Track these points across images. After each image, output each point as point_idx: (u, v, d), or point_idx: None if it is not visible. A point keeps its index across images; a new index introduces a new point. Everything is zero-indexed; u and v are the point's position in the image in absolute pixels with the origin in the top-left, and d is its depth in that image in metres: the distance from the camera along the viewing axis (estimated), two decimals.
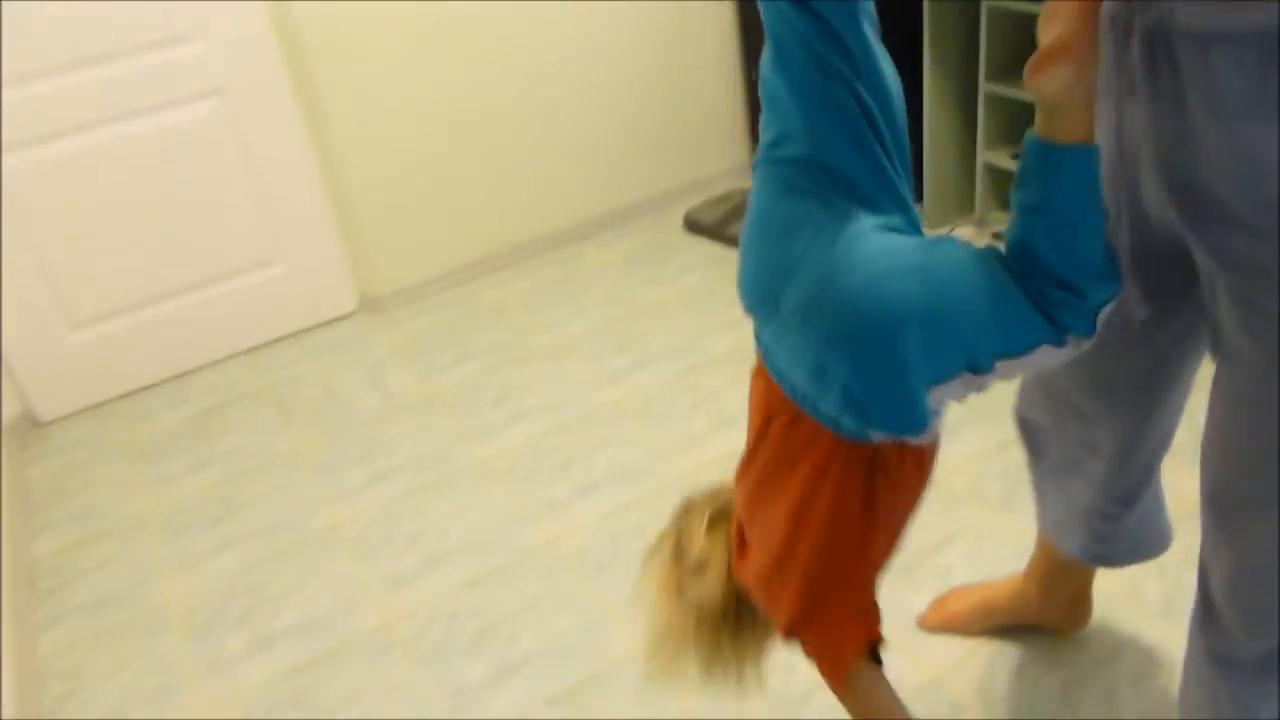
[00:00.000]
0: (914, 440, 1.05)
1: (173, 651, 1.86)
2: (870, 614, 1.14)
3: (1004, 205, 2.33)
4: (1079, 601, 1.60)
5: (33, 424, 2.56)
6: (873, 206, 0.98)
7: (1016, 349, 0.95)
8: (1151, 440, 1.28)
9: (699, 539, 1.25)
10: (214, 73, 2.45)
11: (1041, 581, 1.57)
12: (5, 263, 2.39)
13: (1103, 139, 0.99)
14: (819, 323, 1.00)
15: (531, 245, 3.01)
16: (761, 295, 1.06)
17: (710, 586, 1.22)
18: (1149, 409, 1.24)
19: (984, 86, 2.49)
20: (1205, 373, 1.09)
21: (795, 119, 0.99)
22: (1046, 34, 0.87)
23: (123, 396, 2.63)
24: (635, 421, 2.28)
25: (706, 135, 3.14)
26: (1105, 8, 0.91)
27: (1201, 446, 1.06)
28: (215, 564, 2.05)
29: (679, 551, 1.26)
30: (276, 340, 2.77)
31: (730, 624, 1.22)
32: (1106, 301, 0.93)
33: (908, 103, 1.06)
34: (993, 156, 2.58)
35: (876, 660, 1.16)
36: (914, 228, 1.02)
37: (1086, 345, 0.96)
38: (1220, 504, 1.05)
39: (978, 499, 1.92)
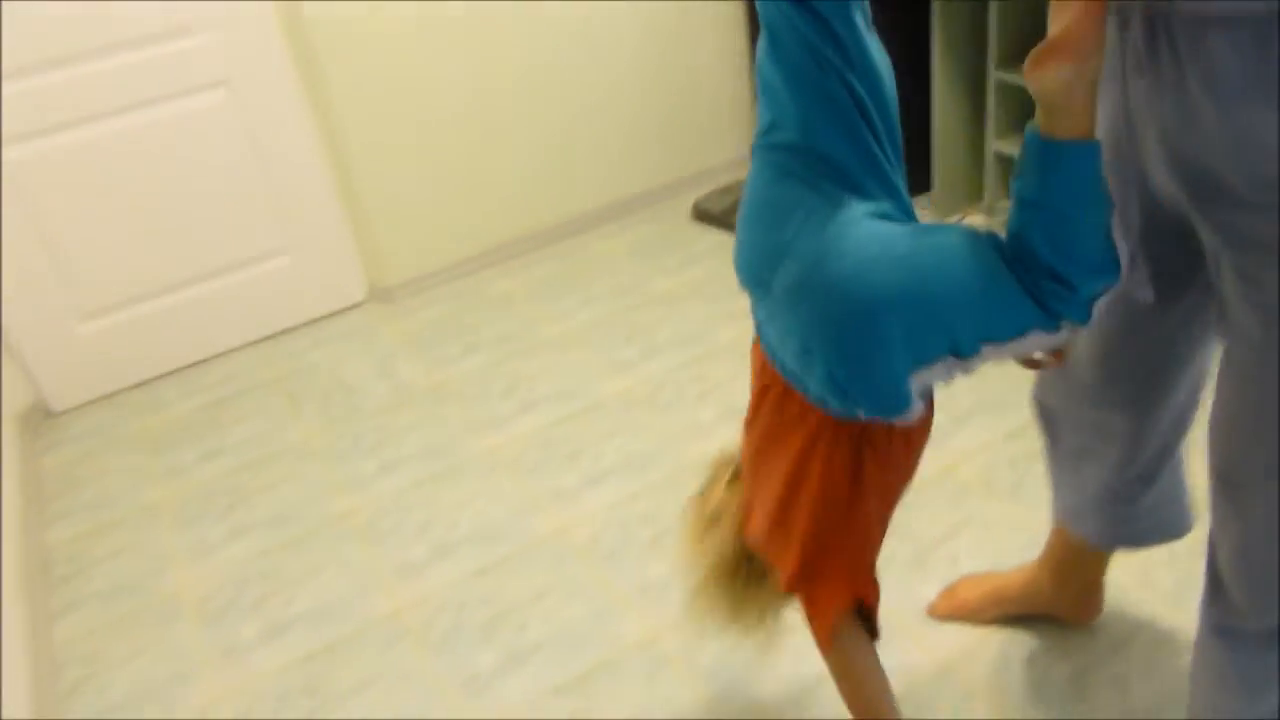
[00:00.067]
0: (897, 421, 1.07)
1: (186, 639, 1.88)
2: (861, 578, 1.17)
3: None
4: (1091, 592, 1.60)
5: (45, 414, 2.57)
6: (864, 193, 1.00)
7: (1007, 334, 0.97)
8: (1165, 421, 1.28)
9: (718, 493, 1.30)
10: (221, 63, 2.45)
11: (1054, 571, 1.57)
12: (17, 254, 2.40)
13: (1109, 119, 1.01)
14: (806, 306, 1.03)
15: (540, 236, 3.01)
16: (755, 276, 1.10)
17: (722, 539, 1.27)
18: (1161, 390, 1.24)
19: (994, 74, 2.48)
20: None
21: (789, 107, 1.01)
22: (1055, 27, 0.88)
23: (134, 386, 2.64)
24: (643, 411, 2.28)
25: (713, 125, 3.13)
26: None
27: (1209, 424, 1.07)
28: (227, 552, 2.06)
29: (703, 504, 1.31)
30: (286, 331, 2.78)
31: (743, 576, 1.25)
32: (1102, 292, 0.94)
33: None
34: (1003, 144, 2.57)
35: (872, 633, 1.19)
36: (906, 215, 1.04)
37: (1082, 330, 0.97)
38: (1225, 479, 1.06)
39: (986, 488, 1.92)
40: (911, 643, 1.64)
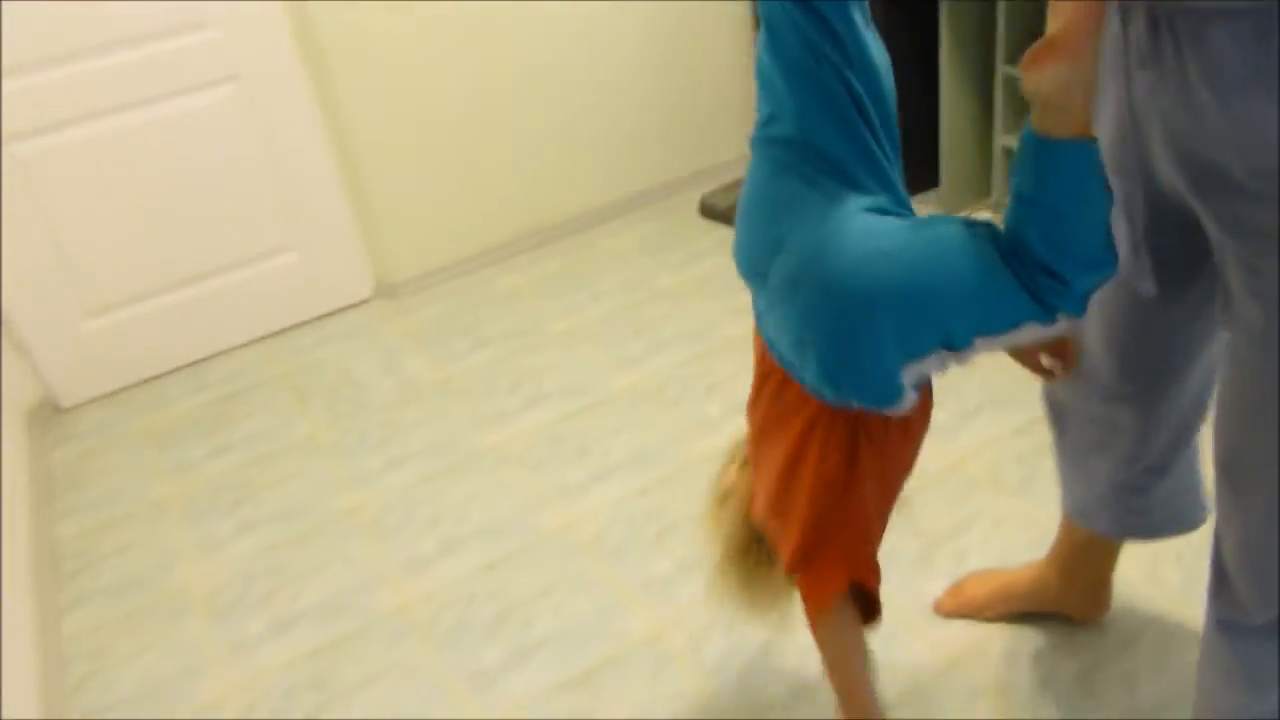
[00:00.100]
0: (890, 412, 1.09)
1: (194, 634, 1.88)
2: (860, 562, 1.18)
3: None
4: (1099, 589, 1.59)
5: (53, 410, 2.58)
6: (859, 188, 1.02)
7: (1002, 327, 0.98)
8: (1176, 415, 1.28)
9: (732, 474, 1.32)
10: (230, 59, 2.45)
11: (1062, 567, 1.57)
12: (25, 250, 2.40)
13: (1113, 114, 1.02)
14: (800, 299, 1.05)
15: (546, 231, 3.01)
16: (753, 267, 1.12)
17: (732, 520, 1.30)
18: (1171, 383, 1.24)
19: (1002, 70, 2.47)
20: None
21: (786, 101, 1.02)
22: (1052, 26, 0.88)
23: (141, 383, 2.65)
24: (650, 406, 2.28)
25: (719, 121, 3.13)
26: None
27: (1214, 415, 1.08)
28: (235, 548, 2.07)
29: (718, 486, 1.35)
30: (293, 327, 2.78)
31: (754, 556, 1.27)
32: (1097, 286, 0.95)
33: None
34: (1010, 140, 2.56)
35: (874, 613, 1.20)
36: (902, 209, 1.05)
37: (1079, 322, 0.98)
38: (1229, 470, 1.07)
39: (994, 484, 1.92)
40: (918, 639, 1.64)
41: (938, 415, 2.13)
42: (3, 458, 2.13)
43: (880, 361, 1.02)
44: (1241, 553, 1.08)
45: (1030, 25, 2.42)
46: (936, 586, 1.71)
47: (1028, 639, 1.61)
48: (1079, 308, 0.95)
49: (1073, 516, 1.49)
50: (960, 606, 1.66)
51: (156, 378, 2.66)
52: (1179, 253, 1.09)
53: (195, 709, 1.73)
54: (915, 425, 1.16)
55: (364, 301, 2.86)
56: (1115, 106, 1.02)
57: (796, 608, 1.32)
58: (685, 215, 3.04)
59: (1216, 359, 1.24)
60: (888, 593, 1.62)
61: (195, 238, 2.58)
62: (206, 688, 1.77)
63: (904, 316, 0.99)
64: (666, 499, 2.01)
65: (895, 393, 1.05)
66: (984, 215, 2.68)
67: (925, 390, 1.14)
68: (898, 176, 1.05)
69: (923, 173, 2.76)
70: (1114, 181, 1.07)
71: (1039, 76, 0.87)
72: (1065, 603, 1.60)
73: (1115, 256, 0.93)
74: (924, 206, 2.73)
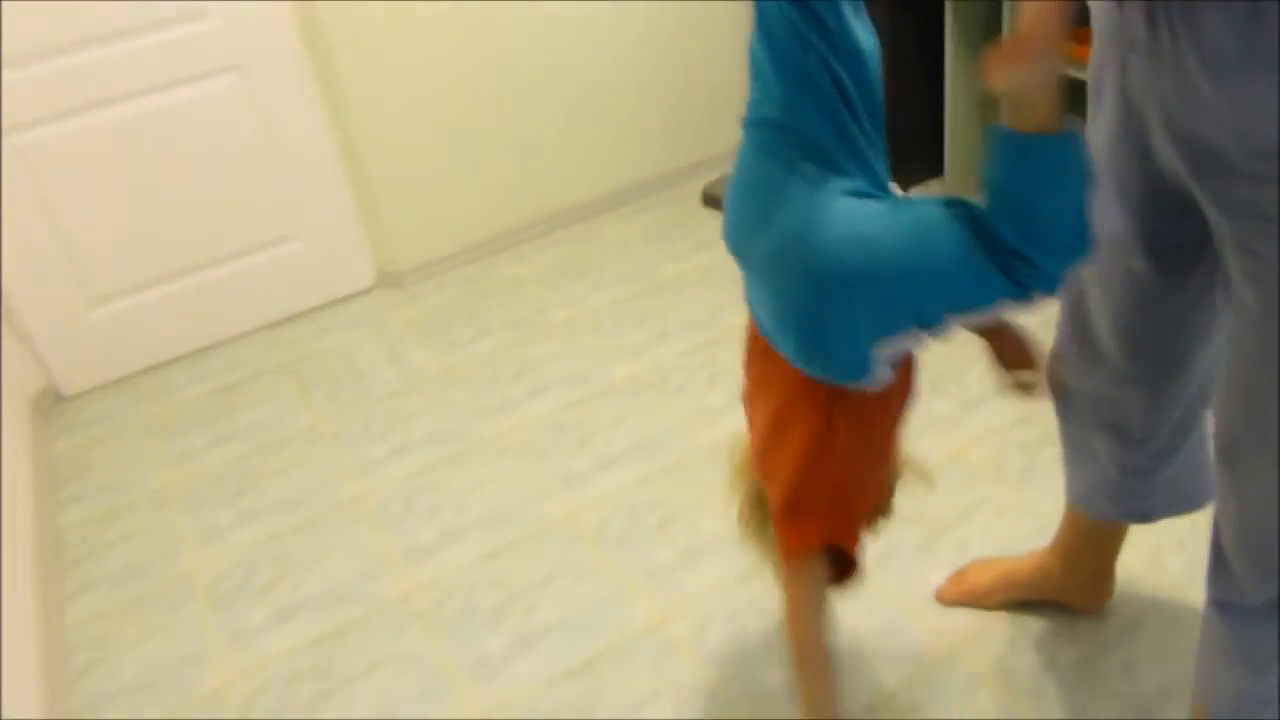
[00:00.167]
0: (861, 386, 1.12)
1: (197, 622, 1.89)
2: (838, 525, 1.20)
3: None
4: (1101, 578, 1.59)
5: (57, 399, 2.59)
6: (840, 171, 1.05)
7: (976, 306, 1.02)
8: (1182, 399, 1.28)
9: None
10: (232, 48, 2.44)
11: (1065, 556, 1.57)
12: (28, 239, 2.40)
13: (1111, 99, 1.04)
14: (779, 279, 1.10)
15: (549, 220, 3.00)
16: (738, 245, 1.16)
17: (739, 475, 1.34)
18: (1177, 367, 1.24)
19: None
20: None
21: (774, 86, 1.06)
22: (1018, 24, 0.90)
23: (144, 371, 2.65)
24: (653, 395, 2.28)
25: (722, 110, 3.12)
26: None
27: (1214, 398, 1.09)
28: (238, 536, 2.07)
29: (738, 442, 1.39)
30: (295, 316, 2.78)
31: (765, 507, 1.30)
32: (1070, 268, 0.98)
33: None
34: None
35: (851, 571, 1.23)
36: (882, 192, 1.08)
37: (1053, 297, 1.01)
38: (1228, 453, 1.08)
39: (997, 473, 1.92)
40: (920, 627, 1.64)
41: (940, 405, 2.14)
42: (6, 446, 2.14)
43: (853, 340, 1.07)
44: (1240, 534, 1.09)
45: None
46: (939, 575, 1.71)
47: (1029, 627, 1.61)
48: (1051, 287, 0.98)
49: (1076, 503, 1.49)
50: (962, 594, 1.66)
51: (159, 366, 2.66)
52: (1181, 237, 1.10)
53: (198, 697, 1.74)
54: (894, 398, 1.20)
55: (366, 290, 2.86)
56: (1114, 93, 1.03)
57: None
58: (687, 204, 3.04)
59: (1223, 343, 1.24)
60: (890, 580, 1.62)
61: (197, 227, 2.58)
62: (209, 676, 1.77)
63: (879, 298, 1.03)
64: (669, 488, 2.01)
65: (866, 369, 1.09)
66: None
67: (906, 364, 1.18)
68: (881, 161, 1.09)
69: (926, 162, 2.77)
70: (1114, 166, 1.08)
71: (1000, 79, 0.90)
72: (1067, 591, 1.60)
73: (1089, 240, 0.96)
74: (928, 194, 2.72)
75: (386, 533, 2.01)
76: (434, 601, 1.84)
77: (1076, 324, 1.29)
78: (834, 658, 1.28)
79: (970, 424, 2.04)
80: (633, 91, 2.96)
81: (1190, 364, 1.24)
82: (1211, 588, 1.17)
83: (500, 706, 1.63)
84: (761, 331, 1.20)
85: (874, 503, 1.30)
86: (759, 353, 1.23)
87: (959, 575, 1.69)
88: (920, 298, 1.02)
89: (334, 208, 2.73)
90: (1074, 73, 1.02)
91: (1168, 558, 1.67)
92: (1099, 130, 1.10)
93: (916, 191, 2.83)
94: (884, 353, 1.08)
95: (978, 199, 0.99)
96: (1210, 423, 1.14)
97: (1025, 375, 1.25)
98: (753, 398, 1.29)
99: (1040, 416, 2.00)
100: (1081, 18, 1.01)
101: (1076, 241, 0.96)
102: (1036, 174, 0.93)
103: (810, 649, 1.26)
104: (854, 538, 1.21)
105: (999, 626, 1.62)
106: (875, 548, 1.77)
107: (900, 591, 1.70)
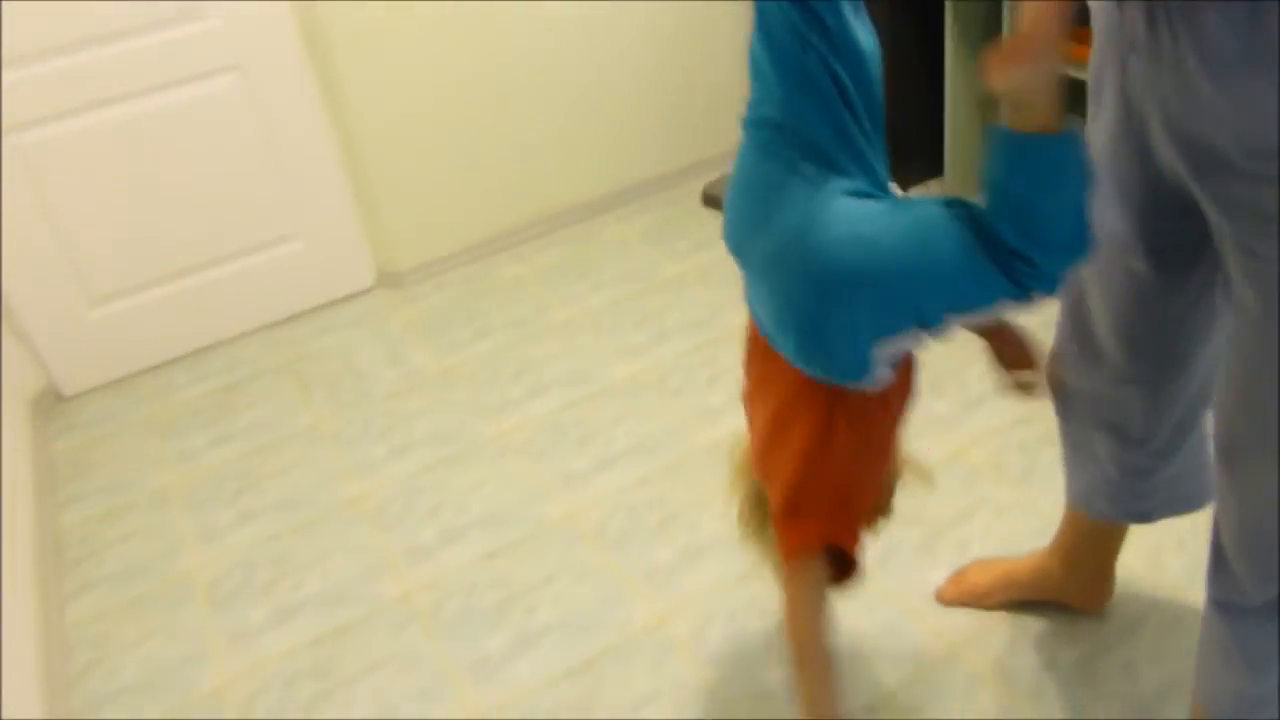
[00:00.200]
0: (861, 386, 1.12)
1: (196, 622, 1.89)
2: (838, 525, 1.20)
3: None
4: (1101, 580, 1.59)
5: (56, 399, 2.59)
6: (840, 171, 1.05)
7: (976, 306, 1.02)
8: (1183, 399, 1.28)
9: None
10: (232, 48, 2.44)
11: (1065, 557, 1.57)
12: (28, 239, 2.40)
13: (1112, 99, 1.04)
14: (779, 279, 1.10)
15: (549, 220, 3.00)
16: (737, 245, 1.17)
17: (739, 475, 1.35)
18: (1178, 367, 1.24)
19: None
20: None
21: (773, 86, 1.07)
22: (1018, 24, 0.90)
23: (144, 371, 2.65)
24: (653, 396, 2.28)
25: (722, 110, 3.12)
26: None
27: (1214, 398, 1.09)
28: (238, 536, 2.07)
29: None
30: (296, 316, 2.78)
31: (765, 507, 1.30)
32: (1070, 268, 0.98)
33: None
34: None
35: (851, 570, 1.23)
36: (881, 191, 1.08)
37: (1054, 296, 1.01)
38: (1228, 453, 1.08)
39: (997, 473, 1.92)
40: (919, 627, 1.64)
41: (940, 405, 2.14)
42: (6, 446, 2.14)
43: (852, 340, 1.07)
44: (1240, 535, 1.09)
45: None
46: (939, 575, 1.71)
47: (1029, 627, 1.61)
48: (1051, 287, 0.98)
49: (1076, 503, 1.49)
50: (962, 594, 1.66)
51: (159, 366, 2.66)
52: (1181, 237, 1.10)
53: (197, 697, 1.74)
54: (894, 398, 1.20)
55: (366, 291, 2.86)
56: (1113, 93, 1.03)
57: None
58: (687, 205, 3.04)
59: (1223, 344, 1.24)
60: (890, 580, 1.63)
61: (197, 227, 2.58)
62: (209, 676, 1.77)
63: (879, 298, 1.03)
64: (668, 488, 2.01)
65: (866, 369, 1.09)
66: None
67: (906, 364, 1.18)
68: (881, 161, 1.09)
69: (927, 162, 2.77)
70: (1114, 166, 1.08)
71: (1006, 76, 0.90)
72: (1067, 592, 1.59)
73: (1089, 240, 0.96)
74: (928, 194, 2.72)
75: (386, 533, 2.01)
76: (434, 601, 1.84)
77: (1076, 324, 1.29)
78: (834, 658, 1.28)
79: (970, 424, 2.04)
80: (633, 91, 2.96)
81: (1190, 364, 1.24)
82: (1211, 588, 1.17)
83: (500, 706, 1.63)
84: (762, 331, 1.20)
85: (874, 502, 1.30)
86: (759, 353, 1.23)
87: (959, 575, 1.69)
88: (920, 298, 1.02)
89: (334, 208, 2.73)
90: (1074, 73, 1.02)
91: (1168, 558, 1.67)
92: (1099, 130, 1.10)
93: (916, 191, 2.83)
94: (884, 353, 1.08)
95: (978, 199, 0.99)
96: (1210, 423, 1.14)
97: (1025, 375, 1.24)
98: (753, 398, 1.30)
99: (1040, 416, 2.00)
100: (1081, 18, 1.01)
101: (1076, 241, 0.96)
102: (1036, 174, 0.93)
103: (810, 649, 1.26)
104: (854, 538, 1.21)
105: (999, 626, 1.62)
106: (875, 548, 1.77)
107: (900, 591, 1.70)
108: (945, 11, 2.50)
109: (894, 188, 1.12)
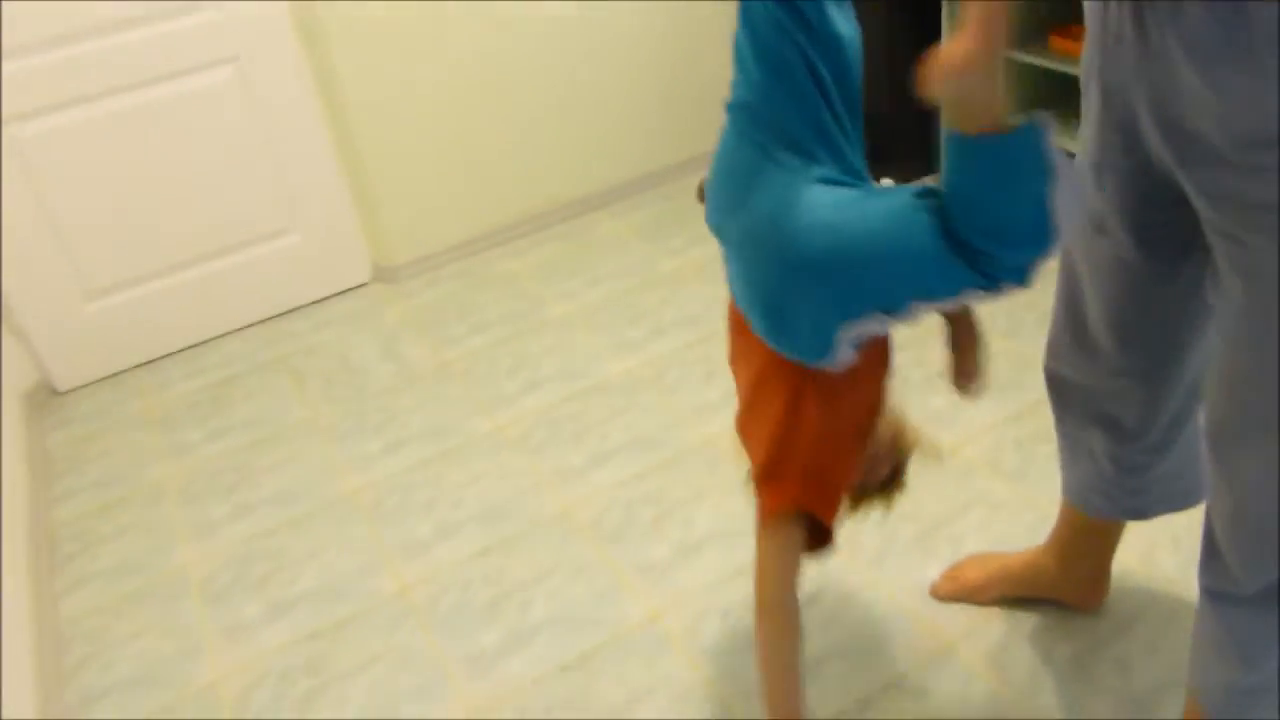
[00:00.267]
0: (824, 367, 1.14)
1: (191, 616, 1.88)
2: (813, 492, 1.22)
3: None
4: (1097, 577, 1.59)
5: (51, 393, 2.58)
6: (812, 158, 1.07)
7: (943, 294, 1.03)
8: (1177, 392, 1.29)
9: None
10: (229, 41, 2.44)
11: (1061, 554, 1.57)
12: (23, 232, 2.40)
13: (1099, 89, 1.06)
14: (751, 261, 1.14)
15: (545, 216, 3.00)
16: (718, 225, 1.19)
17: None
18: (1173, 359, 1.25)
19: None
20: None
21: (754, 74, 1.09)
22: (962, 26, 0.90)
23: (139, 366, 2.65)
24: (649, 391, 2.28)
25: (717, 106, 3.09)
26: None
27: (1205, 388, 1.10)
28: (232, 531, 2.07)
29: None
30: (291, 310, 2.78)
31: None
32: (1036, 260, 0.97)
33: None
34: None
35: (826, 541, 1.25)
36: (855, 180, 1.10)
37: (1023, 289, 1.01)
38: (1217, 441, 1.09)
39: (992, 469, 1.92)
40: (914, 622, 1.64)
41: (936, 400, 2.14)
42: (0, 441, 2.13)
43: (816, 323, 1.09)
44: (1230, 523, 1.10)
45: (1034, 7, 2.40)
46: (933, 570, 1.71)
47: (1024, 622, 1.61)
48: (1020, 278, 0.98)
49: (1071, 499, 1.49)
50: (957, 590, 1.66)
51: (154, 361, 2.66)
52: (1171, 228, 1.10)
53: (192, 691, 1.74)
54: (863, 376, 1.21)
55: (362, 285, 2.86)
56: (1102, 86, 1.05)
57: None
58: (684, 200, 3.03)
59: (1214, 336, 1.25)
60: (885, 576, 1.63)
61: (193, 221, 2.58)
62: (204, 670, 1.77)
63: (845, 284, 1.05)
64: (664, 484, 2.01)
65: (829, 350, 1.11)
66: None
67: (878, 346, 1.20)
68: (856, 149, 1.11)
69: (920, 157, 2.76)
70: (1104, 157, 1.09)
71: (937, 89, 0.90)
72: (1062, 589, 1.60)
73: (1053, 232, 0.95)
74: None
75: (382, 528, 2.01)
76: (429, 597, 1.84)
77: (1071, 314, 1.29)
78: (799, 618, 1.30)
79: (966, 420, 2.04)
80: (628, 87, 2.96)
81: (1183, 356, 1.24)
82: (1204, 577, 1.17)
83: (495, 702, 1.63)
84: (740, 309, 1.23)
85: (885, 477, 1.34)
86: (738, 326, 1.26)
87: (954, 571, 1.69)
88: (886, 285, 1.03)
89: (330, 203, 2.73)
90: (1068, 69, 1.03)
91: (1162, 554, 1.68)
92: (1089, 123, 1.10)
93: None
94: (848, 335, 1.09)
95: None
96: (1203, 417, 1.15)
97: (965, 368, 1.26)
98: (735, 367, 1.33)
99: (1035, 413, 2.00)
100: (1076, 16, 1.02)
101: (1038, 235, 0.95)
102: (987, 174, 0.94)
103: (775, 606, 1.28)
104: (830, 509, 1.23)
105: (994, 622, 1.62)
106: (870, 543, 1.78)
107: (895, 587, 1.70)
108: (943, 10, 2.50)
109: (887, 182, 1.12)
